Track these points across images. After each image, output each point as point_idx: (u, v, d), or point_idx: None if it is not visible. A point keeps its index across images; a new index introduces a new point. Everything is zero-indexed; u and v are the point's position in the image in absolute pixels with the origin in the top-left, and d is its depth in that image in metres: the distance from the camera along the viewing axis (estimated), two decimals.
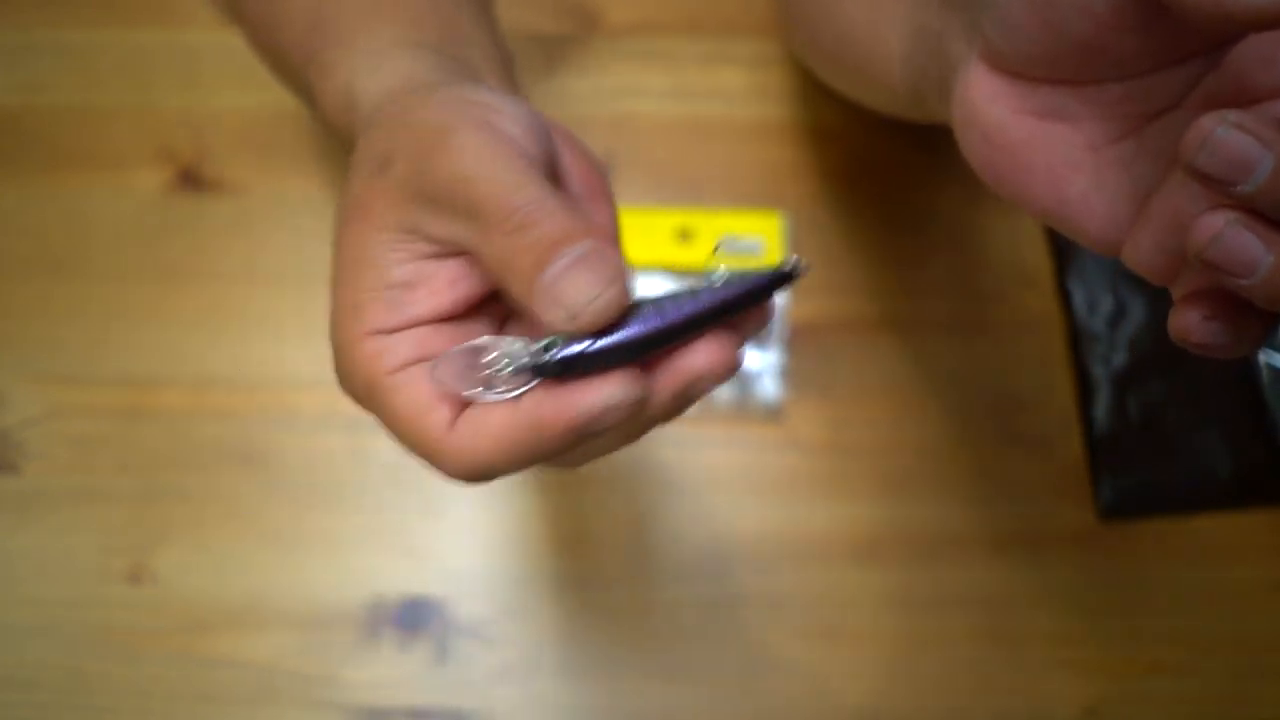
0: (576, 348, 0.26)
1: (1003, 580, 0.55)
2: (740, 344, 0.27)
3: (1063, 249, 0.60)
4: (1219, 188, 0.22)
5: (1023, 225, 0.60)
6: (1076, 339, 0.59)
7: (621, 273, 0.26)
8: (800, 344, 0.57)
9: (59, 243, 0.59)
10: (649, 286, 0.59)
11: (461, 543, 0.55)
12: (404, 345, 0.28)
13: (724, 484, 0.56)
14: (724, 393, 0.56)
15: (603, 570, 0.55)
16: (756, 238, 0.58)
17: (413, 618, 0.54)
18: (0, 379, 0.57)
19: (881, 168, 0.61)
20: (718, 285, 0.27)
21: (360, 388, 0.29)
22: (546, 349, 0.26)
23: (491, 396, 0.27)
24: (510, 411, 0.27)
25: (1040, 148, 0.27)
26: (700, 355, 0.27)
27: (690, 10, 0.65)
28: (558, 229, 0.26)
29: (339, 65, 0.35)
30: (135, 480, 0.55)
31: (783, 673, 0.53)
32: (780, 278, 0.28)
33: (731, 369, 0.27)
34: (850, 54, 0.44)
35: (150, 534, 0.54)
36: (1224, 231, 0.22)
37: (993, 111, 0.27)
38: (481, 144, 0.28)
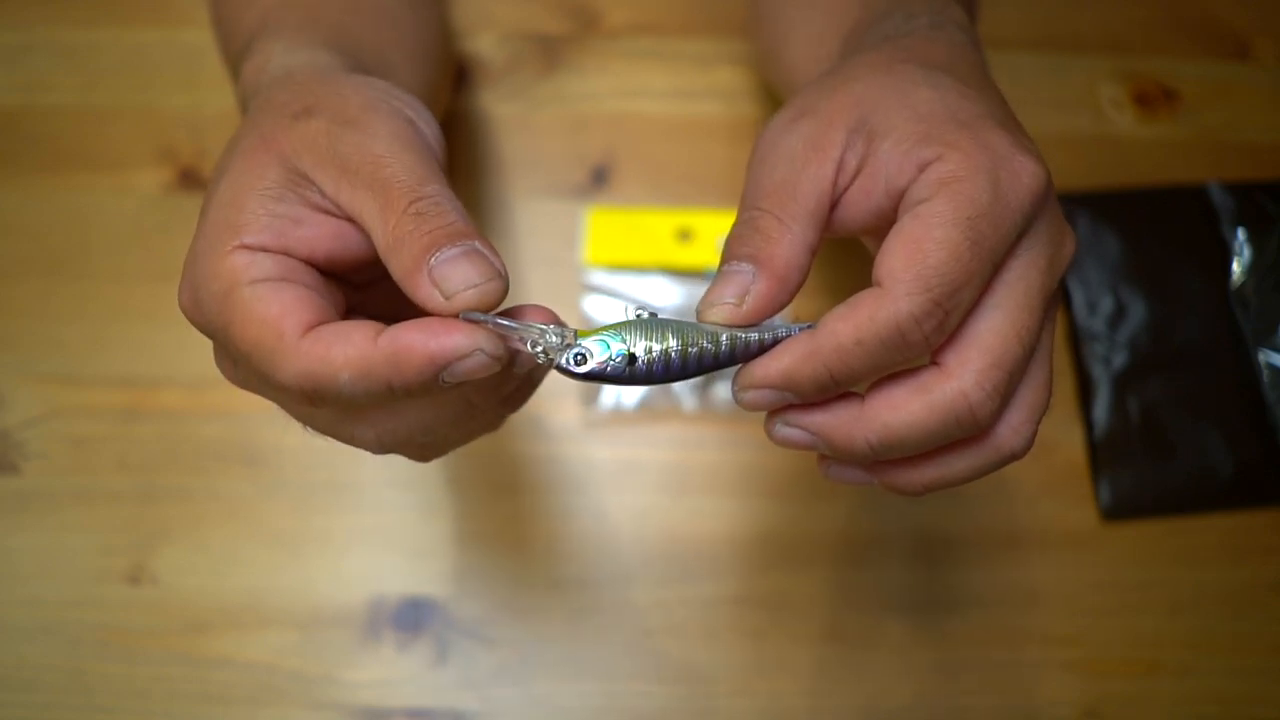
0: (601, 358, 0.29)
1: (1003, 580, 0.55)
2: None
3: None
4: None
5: None
6: (1076, 339, 0.59)
7: (502, 276, 0.28)
8: None
9: (59, 243, 0.59)
10: (648, 286, 0.59)
11: (461, 543, 0.55)
12: (272, 263, 0.29)
13: (724, 484, 0.56)
14: (725, 393, 0.56)
15: (602, 570, 0.55)
16: None
17: (413, 618, 0.54)
18: (0, 379, 0.57)
19: None
20: (744, 337, 0.30)
21: (216, 294, 0.29)
22: (573, 353, 0.29)
23: (501, 320, 0.28)
24: (373, 334, 0.28)
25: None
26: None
27: (690, 10, 0.65)
28: (455, 224, 0.28)
29: (263, 50, 0.38)
30: (135, 480, 0.55)
31: (783, 673, 0.53)
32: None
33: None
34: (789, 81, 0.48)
35: (150, 534, 0.54)
36: None
37: None
38: (400, 131, 0.31)
